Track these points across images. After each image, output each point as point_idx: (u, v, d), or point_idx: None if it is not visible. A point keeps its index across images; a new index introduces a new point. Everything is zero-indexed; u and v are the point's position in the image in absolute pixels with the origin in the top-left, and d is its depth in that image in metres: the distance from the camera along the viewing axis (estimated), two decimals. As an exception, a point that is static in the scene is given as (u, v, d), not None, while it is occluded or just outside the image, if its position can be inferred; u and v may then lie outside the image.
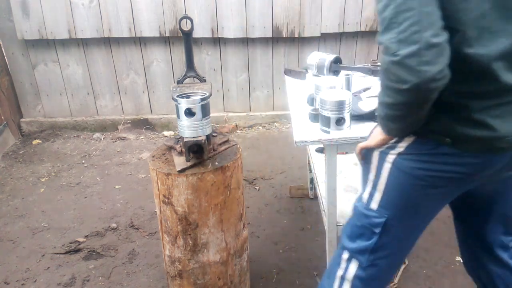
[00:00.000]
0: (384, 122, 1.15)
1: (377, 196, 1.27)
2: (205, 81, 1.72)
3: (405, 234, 1.31)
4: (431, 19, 0.95)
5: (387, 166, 1.22)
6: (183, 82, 1.69)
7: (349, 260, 1.36)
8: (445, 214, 2.55)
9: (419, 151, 1.15)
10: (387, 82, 1.03)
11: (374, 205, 1.28)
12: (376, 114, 1.20)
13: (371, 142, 1.25)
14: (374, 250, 1.31)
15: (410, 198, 1.24)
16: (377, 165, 1.25)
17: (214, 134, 1.68)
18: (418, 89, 0.98)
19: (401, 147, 1.18)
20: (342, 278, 1.38)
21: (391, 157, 1.20)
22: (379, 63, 2.07)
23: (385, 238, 1.29)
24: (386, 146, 1.21)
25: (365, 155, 1.29)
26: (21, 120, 3.72)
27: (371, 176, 1.27)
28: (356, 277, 1.35)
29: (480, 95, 1.04)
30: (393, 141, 1.19)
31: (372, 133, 1.26)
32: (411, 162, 1.18)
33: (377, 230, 1.29)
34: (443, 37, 0.95)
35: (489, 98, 1.04)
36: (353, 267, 1.36)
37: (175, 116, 1.52)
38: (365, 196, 1.30)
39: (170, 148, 1.64)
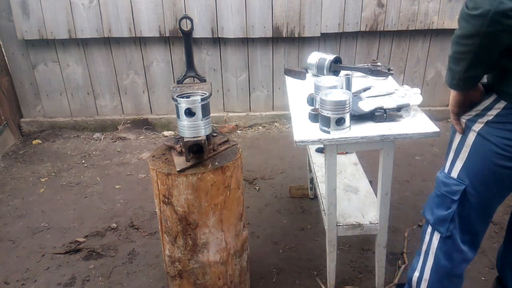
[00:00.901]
0: (450, 68, 1.20)
1: (458, 165, 1.33)
2: (205, 81, 1.72)
3: (481, 205, 1.35)
4: None
5: (472, 135, 1.27)
6: (183, 82, 1.69)
7: (432, 233, 1.43)
8: (445, 214, 2.55)
9: (509, 119, 1.19)
10: (462, 11, 1.06)
11: (454, 173, 1.35)
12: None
13: (451, 106, 1.31)
14: (453, 219, 1.36)
15: (491, 169, 1.27)
16: (460, 140, 1.31)
17: (214, 134, 1.68)
18: (488, 17, 1.00)
19: (491, 115, 1.22)
20: (427, 252, 1.45)
21: (478, 126, 1.25)
22: (379, 63, 2.07)
23: (463, 207, 1.34)
24: (475, 113, 1.25)
25: (453, 126, 1.34)
26: (21, 120, 3.72)
27: (454, 145, 1.34)
28: (438, 248, 1.42)
29: None
30: (482, 107, 1.23)
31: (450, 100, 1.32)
32: (498, 131, 1.22)
33: (456, 198, 1.34)
34: None
35: None
36: (436, 240, 1.42)
37: (175, 116, 1.53)
38: (447, 164, 1.37)
39: (170, 148, 1.64)
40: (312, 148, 2.35)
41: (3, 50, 3.52)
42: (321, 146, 2.17)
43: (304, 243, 2.28)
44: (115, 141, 3.58)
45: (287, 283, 2.02)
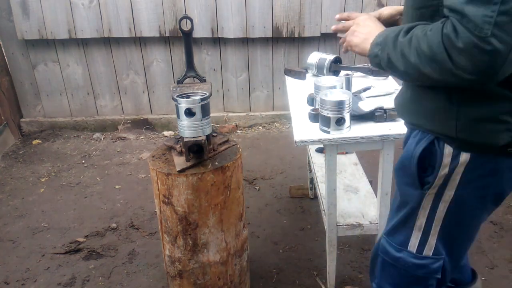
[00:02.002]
0: (390, 64, 0.99)
1: (432, 241, 1.14)
2: (205, 81, 1.72)
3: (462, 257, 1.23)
4: None
5: (443, 207, 1.09)
6: (183, 82, 1.69)
7: None
8: (445, 214, 2.55)
9: (484, 169, 1.02)
10: (445, 60, 0.83)
11: (428, 251, 1.16)
12: (381, 56, 1.03)
13: (354, 47, 1.17)
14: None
15: (472, 223, 1.13)
16: (430, 209, 1.10)
17: (214, 134, 1.68)
18: (478, 83, 0.84)
19: (458, 175, 1.03)
20: None
21: (448, 195, 1.06)
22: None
23: (445, 272, 1.19)
24: (437, 186, 1.05)
25: (405, 197, 1.14)
26: (21, 120, 3.72)
27: (420, 221, 1.13)
28: None
29: None
30: (442, 172, 1.03)
31: (359, 33, 1.16)
32: (477, 191, 1.06)
33: (438, 275, 1.17)
34: None
35: None
36: None
37: (175, 116, 1.52)
38: (413, 244, 1.16)
39: (170, 148, 1.64)
40: (312, 148, 2.35)
41: (3, 50, 3.52)
42: (321, 146, 2.17)
43: (304, 243, 2.28)
44: (115, 141, 3.58)
45: (287, 283, 2.02)
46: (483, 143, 0.97)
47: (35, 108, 3.73)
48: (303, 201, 2.63)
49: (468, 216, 1.11)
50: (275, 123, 3.80)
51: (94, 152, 3.40)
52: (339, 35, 1.28)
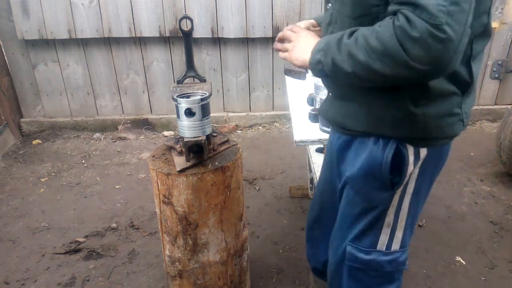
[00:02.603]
0: (335, 67, 0.97)
1: (399, 234, 1.19)
2: (205, 81, 1.72)
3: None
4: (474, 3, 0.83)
5: (407, 199, 1.15)
6: (183, 82, 1.69)
7: None
8: (445, 214, 2.56)
9: (438, 157, 1.12)
10: (399, 52, 0.84)
11: (396, 245, 1.20)
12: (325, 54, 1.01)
13: (294, 56, 1.13)
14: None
15: (423, 204, 1.22)
16: (397, 205, 1.15)
17: (214, 134, 1.68)
18: (431, 75, 0.86)
19: (416, 171, 1.10)
20: None
21: (411, 188, 1.13)
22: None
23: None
24: (403, 186, 1.11)
25: (372, 202, 1.16)
26: (21, 120, 3.72)
27: (389, 219, 1.17)
28: None
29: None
30: (406, 177, 1.10)
31: (299, 46, 1.12)
32: (428, 177, 1.14)
33: (406, 267, 1.23)
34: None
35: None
36: None
37: (175, 116, 1.52)
38: (383, 242, 1.20)
39: (170, 148, 1.64)
40: (312, 148, 2.35)
41: (3, 50, 3.52)
42: (321, 146, 2.17)
43: (304, 243, 2.28)
44: (115, 141, 3.58)
45: (287, 283, 2.02)
46: (444, 137, 1.06)
47: (35, 108, 3.73)
48: (303, 201, 2.63)
49: (422, 200, 1.20)
50: (275, 123, 3.80)
51: (94, 152, 3.40)
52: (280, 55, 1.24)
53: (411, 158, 1.08)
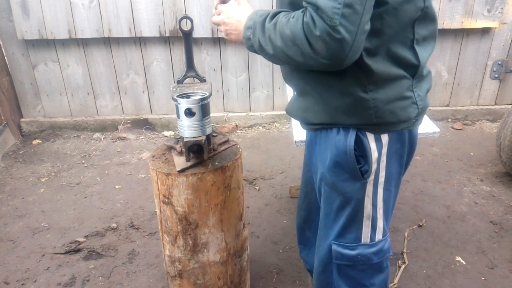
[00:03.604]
0: (261, 48, 1.05)
1: (380, 224, 1.22)
2: (205, 81, 1.72)
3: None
4: (371, 3, 0.91)
5: (381, 188, 1.17)
6: (183, 82, 1.69)
7: None
8: (445, 214, 2.56)
9: (401, 144, 1.15)
10: (305, 45, 0.92)
11: (379, 235, 1.22)
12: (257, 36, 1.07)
13: (228, 32, 1.18)
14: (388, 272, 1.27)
15: (397, 189, 1.25)
16: (372, 196, 1.18)
17: (214, 134, 1.68)
18: (331, 67, 0.94)
19: (384, 158, 1.13)
20: None
21: (382, 176, 1.16)
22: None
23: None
24: (375, 170, 1.14)
25: (346, 194, 1.17)
26: (21, 120, 3.72)
27: (368, 210, 1.19)
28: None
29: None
30: (374, 166, 1.13)
31: (230, 24, 1.16)
32: (396, 162, 1.17)
33: (391, 253, 1.25)
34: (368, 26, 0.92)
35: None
36: None
37: (175, 116, 1.52)
38: (366, 234, 1.21)
39: (170, 148, 1.64)
40: (312, 148, 2.35)
41: (3, 50, 3.52)
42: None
43: (304, 243, 2.28)
44: (115, 141, 3.58)
45: (287, 283, 2.02)
46: (398, 121, 1.09)
47: (35, 108, 3.73)
48: (303, 201, 2.63)
49: (395, 186, 1.22)
50: (275, 123, 3.80)
51: (94, 152, 3.40)
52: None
53: (372, 145, 1.11)
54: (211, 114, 1.55)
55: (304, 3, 0.93)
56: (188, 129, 1.48)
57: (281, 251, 2.23)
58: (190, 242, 1.59)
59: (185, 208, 1.52)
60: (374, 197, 1.18)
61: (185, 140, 1.48)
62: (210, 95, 1.52)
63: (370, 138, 1.11)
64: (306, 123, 1.22)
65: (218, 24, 1.23)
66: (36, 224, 2.50)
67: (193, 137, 1.48)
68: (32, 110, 3.74)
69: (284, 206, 2.60)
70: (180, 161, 1.52)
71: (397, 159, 1.17)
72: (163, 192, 1.53)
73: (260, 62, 3.63)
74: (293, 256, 2.19)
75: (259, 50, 1.06)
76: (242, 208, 1.70)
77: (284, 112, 3.73)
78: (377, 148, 1.12)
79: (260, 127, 3.77)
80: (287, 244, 2.27)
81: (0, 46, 3.50)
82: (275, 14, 1.02)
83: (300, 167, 3.01)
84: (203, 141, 1.47)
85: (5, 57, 3.53)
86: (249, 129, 3.75)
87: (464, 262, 2.11)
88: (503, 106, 3.82)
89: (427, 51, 1.10)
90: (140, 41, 3.52)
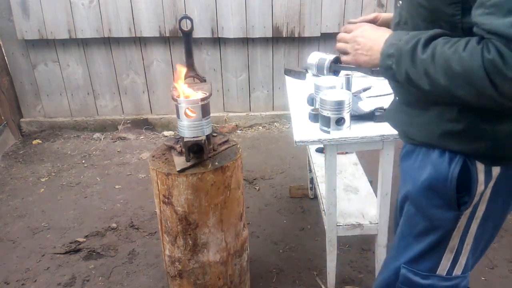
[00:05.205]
0: (410, 81, 0.91)
1: (463, 260, 1.09)
2: (205, 81, 1.72)
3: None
4: None
5: (475, 223, 1.04)
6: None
7: None
8: (445, 214, 2.54)
9: (510, 181, 0.99)
10: (487, 87, 0.78)
11: (458, 270, 1.10)
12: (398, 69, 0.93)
13: (362, 61, 1.04)
14: None
15: (496, 232, 1.11)
16: (463, 229, 1.04)
17: (214, 134, 1.68)
18: None
19: (487, 193, 0.99)
20: None
21: (480, 211, 1.02)
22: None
23: None
24: (475, 203, 1.00)
25: (434, 221, 1.06)
26: (21, 120, 3.72)
27: (454, 243, 1.06)
28: None
29: None
30: (476, 198, 0.99)
31: (366, 48, 1.02)
32: (502, 201, 1.02)
33: None
34: None
35: None
36: None
37: (175, 116, 1.52)
38: (444, 267, 1.09)
39: (170, 148, 1.64)
40: (312, 148, 2.35)
41: (3, 50, 3.52)
42: (321, 146, 2.17)
43: (304, 243, 2.28)
44: (115, 141, 3.58)
45: (287, 283, 2.02)
46: None
47: (35, 108, 3.73)
48: (303, 201, 2.63)
49: (495, 226, 1.09)
50: (275, 123, 3.80)
51: (94, 152, 3.40)
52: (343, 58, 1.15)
53: (481, 176, 0.97)
54: (211, 114, 1.55)
55: (481, 32, 0.78)
56: (188, 129, 1.48)
57: (281, 251, 2.23)
58: (190, 242, 1.59)
59: (185, 208, 1.52)
60: (464, 232, 1.05)
61: (185, 140, 1.48)
62: (210, 95, 1.52)
63: (480, 169, 0.97)
64: (406, 137, 1.09)
65: (345, 42, 1.10)
66: (36, 224, 2.50)
67: (193, 137, 1.48)
68: (32, 110, 3.74)
69: (284, 206, 2.60)
70: (180, 161, 1.52)
71: (503, 197, 1.02)
72: (163, 192, 1.53)
73: (260, 62, 3.63)
74: (293, 256, 2.19)
75: (407, 82, 0.92)
76: (242, 208, 1.70)
77: (284, 112, 3.75)
78: (485, 181, 0.98)
79: (260, 127, 3.77)
80: (287, 244, 2.27)
81: (0, 46, 3.50)
82: (428, 41, 0.86)
83: (300, 167, 3.01)
84: (203, 141, 1.47)
85: (5, 57, 3.53)
86: (249, 129, 3.75)
87: (464, 262, 2.11)
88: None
89: None
90: (140, 41, 3.52)
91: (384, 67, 0.96)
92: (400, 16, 1.01)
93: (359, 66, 1.08)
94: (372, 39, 1.02)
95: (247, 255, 1.83)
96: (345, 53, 1.10)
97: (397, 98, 1.13)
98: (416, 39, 0.88)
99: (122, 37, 3.45)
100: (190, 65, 1.68)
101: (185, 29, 1.61)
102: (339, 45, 1.12)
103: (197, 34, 3.39)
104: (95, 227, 2.45)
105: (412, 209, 1.10)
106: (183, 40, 1.65)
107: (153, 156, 1.61)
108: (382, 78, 2.01)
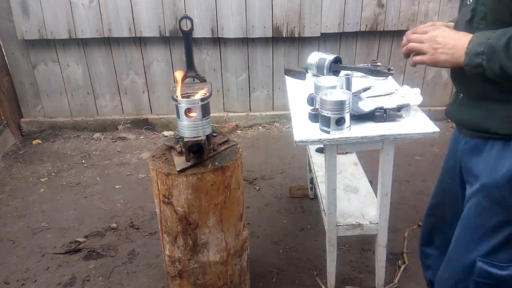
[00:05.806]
0: (504, 74, 0.95)
1: None
2: (205, 81, 1.72)
3: None
4: None
5: None
6: (183, 82, 1.69)
7: None
8: (445, 214, 2.54)
9: None
10: None
11: None
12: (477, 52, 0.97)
13: (443, 59, 1.06)
14: None
15: None
16: None
17: (214, 134, 1.68)
18: None
19: None
20: None
21: None
22: (379, 63, 2.07)
23: None
24: None
25: (511, 215, 1.07)
26: (21, 120, 3.72)
27: None
28: None
29: None
30: None
31: (448, 46, 1.05)
32: None
33: None
34: None
35: None
36: None
37: (175, 116, 1.52)
38: None
39: (170, 148, 1.64)
40: (312, 148, 2.35)
41: (3, 50, 3.52)
42: (321, 146, 2.17)
43: (304, 243, 2.28)
44: (115, 141, 3.58)
45: (287, 283, 2.02)
46: None
47: (35, 108, 3.73)
48: (303, 201, 2.63)
49: None
50: (275, 123, 3.80)
51: (94, 152, 3.40)
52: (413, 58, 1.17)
53: None
54: (211, 114, 1.55)
55: None
56: (188, 129, 1.48)
57: (281, 251, 2.23)
58: (190, 242, 1.59)
59: (185, 208, 1.52)
60: None
61: (185, 140, 1.48)
62: (210, 95, 1.52)
63: None
64: (477, 130, 1.11)
65: (421, 42, 1.12)
66: (36, 224, 2.50)
67: (193, 137, 1.48)
68: (32, 110, 3.74)
69: (284, 206, 2.60)
70: (180, 161, 1.52)
71: None
72: (163, 192, 1.53)
73: (260, 62, 3.63)
74: (293, 256, 2.19)
75: (498, 76, 0.97)
76: (242, 208, 1.70)
77: (284, 112, 3.75)
78: None
79: (260, 127, 3.77)
80: (287, 244, 2.27)
81: (0, 46, 3.50)
82: None
83: (300, 167, 3.02)
84: (203, 141, 1.47)
85: (5, 57, 3.53)
86: (249, 129, 3.75)
87: (464, 262, 2.11)
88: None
89: None
90: (140, 41, 3.52)
91: (473, 65, 1.00)
92: (474, 12, 1.04)
93: (435, 65, 1.10)
94: (454, 38, 1.05)
95: (247, 255, 1.83)
96: (420, 53, 1.12)
97: (461, 95, 1.15)
98: (508, 35, 0.93)
99: (122, 37, 3.45)
100: (190, 65, 1.67)
101: (185, 29, 1.61)
102: (413, 45, 1.14)
103: (197, 34, 3.39)
104: (95, 227, 2.45)
105: (486, 202, 1.10)
106: (183, 40, 1.65)
107: (153, 156, 1.61)
108: (382, 78, 2.01)
